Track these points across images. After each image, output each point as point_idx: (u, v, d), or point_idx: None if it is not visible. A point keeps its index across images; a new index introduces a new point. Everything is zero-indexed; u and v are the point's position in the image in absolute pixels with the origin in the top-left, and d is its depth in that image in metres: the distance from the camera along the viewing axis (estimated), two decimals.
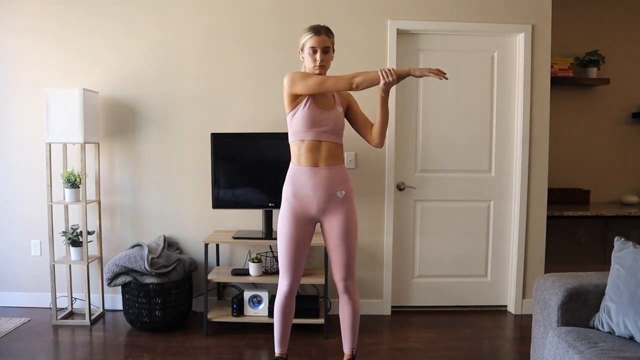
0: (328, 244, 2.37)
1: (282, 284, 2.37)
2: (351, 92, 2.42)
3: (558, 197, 3.82)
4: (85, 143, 3.14)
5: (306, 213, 2.31)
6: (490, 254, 3.59)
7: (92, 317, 3.28)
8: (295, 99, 2.28)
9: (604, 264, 3.97)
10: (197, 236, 3.45)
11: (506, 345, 3.02)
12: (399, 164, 3.49)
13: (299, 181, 2.30)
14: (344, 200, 2.32)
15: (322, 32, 2.26)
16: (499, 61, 3.49)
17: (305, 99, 2.27)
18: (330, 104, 2.33)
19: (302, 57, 2.33)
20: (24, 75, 3.43)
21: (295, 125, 2.29)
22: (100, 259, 3.43)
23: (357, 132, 2.45)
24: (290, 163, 2.35)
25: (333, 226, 2.32)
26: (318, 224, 2.41)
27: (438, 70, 2.09)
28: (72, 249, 3.23)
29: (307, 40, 2.26)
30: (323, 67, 2.28)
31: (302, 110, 2.26)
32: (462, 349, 2.93)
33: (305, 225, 2.33)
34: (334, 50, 2.34)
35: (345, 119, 2.41)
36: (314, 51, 2.26)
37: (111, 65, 3.41)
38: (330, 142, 2.29)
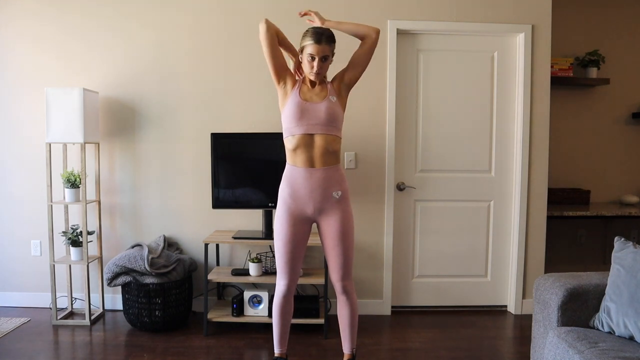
0: (325, 244, 2.37)
1: (280, 284, 2.39)
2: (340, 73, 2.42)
3: (558, 197, 3.82)
4: (85, 143, 3.14)
5: (302, 213, 2.32)
6: (490, 254, 3.59)
7: (92, 317, 3.28)
8: (280, 80, 2.34)
9: (604, 264, 3.97)
10: (197, 236, 3.45)
11: (506, 345, 3.02)
12: (399, 164, 3.49)
13: (295, 182, 2.30)
14: (339, 200, 2.32)
15: (322, 40, 2.24)
16: (499, 61, 3.49)
17: (292, 91, 2.31)
18: (321, 95, 2.32)
19: (301, 58, 2.33)
20: (24, 75, 3.43)
21: (286, 121, 2.31)
22: (100, 259, 3.43)
23: (362, 66, 2.38)
24: (287, 163, 2.35)
25: (330, 226, 2.32)
26: (314, 225, 2.42)
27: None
28: (72, 249, 3.23)
29: (307, 46, 2.26)
30: (319, 74, 2.29)
31: (289, 103, 2.28)
32: (462, 349, 2.93)
33: (302, 226, 2.34)
34: (333, 57, 2.34)
35: (342, 109, 2.35)
36: (312, 58, 2.26)
37: (111, 65, 3.41)
38: (325, 135, 2.27)
